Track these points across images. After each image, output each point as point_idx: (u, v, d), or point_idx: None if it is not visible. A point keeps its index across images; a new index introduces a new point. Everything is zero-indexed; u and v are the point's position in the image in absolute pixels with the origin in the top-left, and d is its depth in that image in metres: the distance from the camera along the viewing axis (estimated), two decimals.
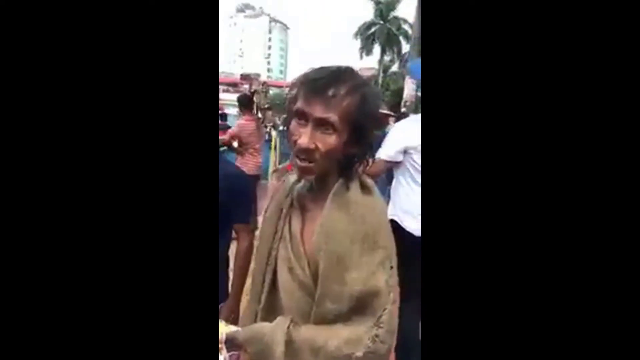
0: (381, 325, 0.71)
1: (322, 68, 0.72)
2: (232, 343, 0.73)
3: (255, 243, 0.88)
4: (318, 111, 0.67)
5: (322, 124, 0.68)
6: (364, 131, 0.72)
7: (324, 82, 0.68)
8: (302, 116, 0.69)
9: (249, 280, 0.87)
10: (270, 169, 4.71)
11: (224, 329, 0.75)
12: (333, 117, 0.67)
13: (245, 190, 1.37)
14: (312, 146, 0.68)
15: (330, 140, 0.69)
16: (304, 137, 0.68)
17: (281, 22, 78.97)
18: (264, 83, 4.56)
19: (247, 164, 3.69)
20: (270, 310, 0.78)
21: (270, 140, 5.17)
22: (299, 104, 0.69)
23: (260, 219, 0.87)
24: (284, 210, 0.80)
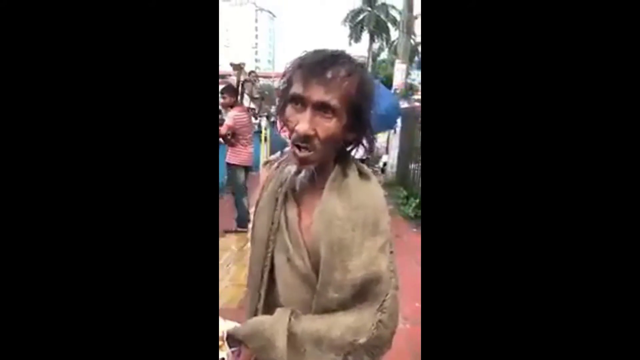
0: (384, 310, 0.71)
1: (317, 51, 0.69)
2: (232, 339, 0.71)
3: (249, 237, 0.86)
4: (317, 94, 0.64)
5: (321, 108, 0.65)
6: (362, 114, 0.70)
7: (321, 64, 0.65)
8: (300, 100, 0.66)
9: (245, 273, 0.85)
10: (262, 160, 4.68)
11: (223, 325, 0.74)
12: (333, 100, 0.65)
13: None
14: (312, 132, 0.65)
15: (329, 125, 0.66)
16: (303, 122, 0.65)
17: (267, 11, 77.77)
18: (251, 72, 4.47)
19: (239, 155, 3.65)
20: (271, 304, 0.77)
21: (260, 132, 5.10)
22: (296, 88, 0.66)
23: (252, 210, 0.85)
24: (279, 200, 0.77)
